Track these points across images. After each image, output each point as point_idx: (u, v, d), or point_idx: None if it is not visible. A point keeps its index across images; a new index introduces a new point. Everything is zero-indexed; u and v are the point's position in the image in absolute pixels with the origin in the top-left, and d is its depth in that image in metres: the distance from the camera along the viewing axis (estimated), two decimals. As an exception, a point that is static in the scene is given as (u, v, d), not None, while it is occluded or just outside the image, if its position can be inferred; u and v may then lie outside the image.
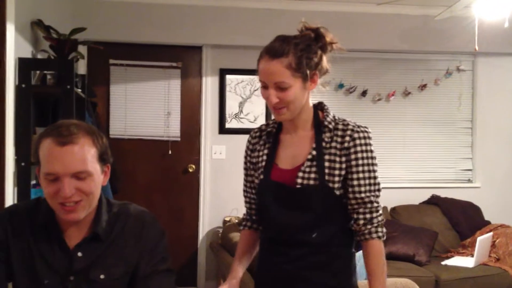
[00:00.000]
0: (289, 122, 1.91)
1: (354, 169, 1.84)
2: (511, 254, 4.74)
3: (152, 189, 5.27)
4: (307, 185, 1.83)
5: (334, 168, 1.84)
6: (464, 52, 5.64)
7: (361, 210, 1.85)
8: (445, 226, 5.26)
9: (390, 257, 4.53)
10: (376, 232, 1.86)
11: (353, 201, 1.86)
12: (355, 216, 1.87)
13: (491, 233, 4.96)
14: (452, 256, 5.00)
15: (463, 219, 5.33)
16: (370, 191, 1.86)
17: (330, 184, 1.83)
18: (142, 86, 5.28)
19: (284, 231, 1.89)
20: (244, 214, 2.12)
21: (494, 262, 4.77)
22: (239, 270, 2.00)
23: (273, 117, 1.97)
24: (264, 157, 1.94)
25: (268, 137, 1.97)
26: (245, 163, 2.06)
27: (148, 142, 5.28)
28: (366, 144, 1.85)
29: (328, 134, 1.87)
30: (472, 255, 4.80)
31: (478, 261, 4.73)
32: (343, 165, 1.84)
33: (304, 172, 1.84)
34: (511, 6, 3.65)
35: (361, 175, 1.85)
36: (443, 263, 4.80)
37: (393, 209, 5.37)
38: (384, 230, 1.88)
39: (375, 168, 1.88)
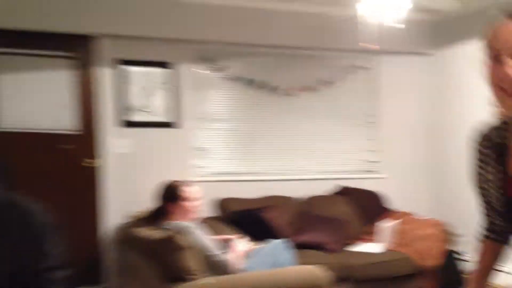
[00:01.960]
0: None
1: None
2: (413, 240, 5.03)
3: (47, 183, 4.87)
4: None
5: None
6: (369, 50, 5.91)
7: None
8: (353, 215, 5.51)
9: (303, 246, 4.72)
10: None
11: None
12: None
13: (396, 221, 5.26)
14: (361, 243, 5.25)
15: (370, 208, 5.62)
16: None
17: None
18: (34, 76, 4.99)
19: None
20: (484, 224, 1.85)
21: (398, 247, 5.06)
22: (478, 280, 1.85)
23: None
24: (498, 175, 1.60)
25: (496, 146, 1.61)
26: (477, 175, 1.70)
27: (42, 135, 4.98)
28: None
29: None
30: (379, 241, 5.07)
31: (385, 247, 5.01)
32: None
33: None
34: (406, 8, 3.93)
35: None
36: (352, 249, 5.04)
37: (307, 199, 5.56)
38: None
39: None
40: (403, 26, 4.09)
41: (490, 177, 1.63)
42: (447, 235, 5.02)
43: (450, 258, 5.19)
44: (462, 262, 5.42)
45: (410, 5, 4.16)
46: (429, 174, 6.32)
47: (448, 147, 6.06)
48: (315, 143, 5.96)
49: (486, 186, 1.66)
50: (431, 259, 4.85)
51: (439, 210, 6.12)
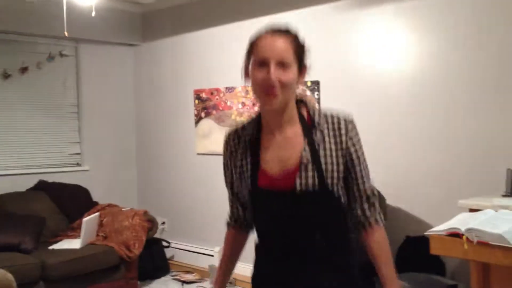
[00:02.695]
0: (274, 118, 1.76)
1: (356, 162, 1.76)
2: (117, 231, 4.99)
3: None
4: (305, 189, 1.70)
5: (333, 167, 1.73)
6: (68, 37, 5.67)
7: (364, 199, 1.78)
8: (53, 210, 5.23)
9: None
10: (380, 218, 1.82)
11: (356, 193, 1.79)
12: (358, 206, 1.79)
13: (97, 213, 5.15)
14: (61, 240, 5.01)
15: (72, 202, 5.40)
16: (369, 180, 1.81)
17: (330, 182, 1.73)
18: None
19: (285, 235, 1.76)
20: (229, 213, 1.99)
21: (102, 240, 4.97)
22: (220, 276, 1.99)
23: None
24: (249, 166, 1.78)
25: (249, 142, 1.81)
26: (225, 171, 1.91)
27: None
28: (357, 134, 1.79)
29: (319, 131, 1.75)
30: (82, 236, 4.90)
31: (86, 241, 4.86)
32: (341, 160, 1.75)
33: (301, 177, 1.71)
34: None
35: (362, 166, 1.78)
36: (50, 247, 4.78)
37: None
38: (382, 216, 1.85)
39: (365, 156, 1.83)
40: (93, 14, 3.98)
41: (238, 170, 1.82)
42: (150, 224, 5.10)
43: (153, 247, 5.30)
44: (164, 251, 5.60)
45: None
46: (135, 165, 6.37)
47: (153, 137, 6.19)
48: (12, 136, 5.49)
49: (235, 179, 1.85)
50: (135, 249, 4.88)
51: (144, 200, 6.22)
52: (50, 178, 5.55)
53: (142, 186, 6.34)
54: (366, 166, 1.80)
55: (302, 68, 1.73)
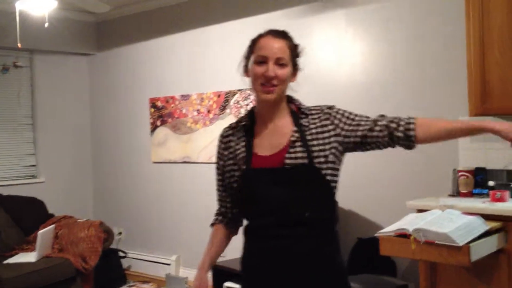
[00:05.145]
0: (268, 110, 1.95)
1: (349, 122, 1.92)
2: (73, 243, 4.93)
3: None
4: (295, 164, 1.85)
5: (319, 147, 1.88)
6: (22, 48, 5.60)
7: (384, 123, 1.90)
8: (8, 223, 5.14)
9: None
10: (407, 118, 1.91)
11: (376, 130, 1.90)
12: (386, 131, 1.89)
13: (53, 226, 5.07)
14: (17, 254, 4.92)
15: (27, 215, 5.32)
16: (368, 117, 1.95)
17: (317, 160, 1.86)
18: None
19: (275, 213, 1.86)
20: (217, 210, 2.11)
21: (58, 252, 4.90)
22: (206, 261, 2.04)
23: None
24: (243, 149, 1.95)
25: (242, 131, 1.99)
26: (218, 163, 2.05)
27: None
28: (341, 109, 1.97)
29: (305, 119, 1.94)
30: (37, 250, 4.82)
31: (41, 254, 4.79)
32: (329, 141, 1.90)
33: (290, 152, 1.87)
34: (49, 6, 3.81)
35: (357, 118, 1.93)
36: (5, 262, 4.69)
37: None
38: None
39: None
40: (46, 24, 3.94)
41: (232, 156, 1.96)
42: (106, 235, 5.05)
43: (110, 257, 5.25)
44: (121, 261, 5.56)
45: (55, 3, 4.03)
46: (91, 175, 6.31)
47: (109, 146, 6.14)
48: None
49: (227, 170, 1.97)
50: (90, 260, 4.83)
51: (101, 210, 6.17)
52: (5, 191, 5.45)
53: (98, 196, 6.28)
54: (359, 115, 1.94)
55: (295, 69, 1.97)
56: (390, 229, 2.96)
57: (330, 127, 1.91)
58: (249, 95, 4.68)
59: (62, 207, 5.69)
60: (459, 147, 3.64)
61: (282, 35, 1.94)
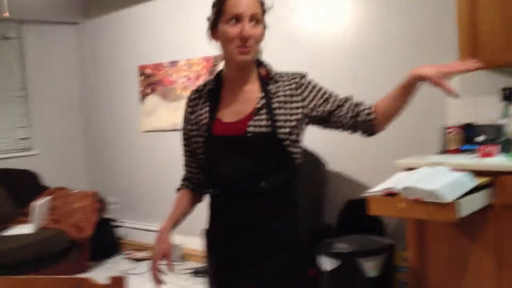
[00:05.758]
0: (237, 74, 1.85)
1: (318, 96, 1.86)
2: (68, 214, 4.96)
3: None
4: (257, 132, 1.78)
5: (285, 117, 1.81)
6: (10, 19, 5.51)
7: (347, 105, 1.86)
8: (3, 196, 5.15)
9: None
10: (364, 103, 1.89)
11: (344, 110, 1.85)
12: (351, 113, 1.85)
13: (49, 197, 5.10)
14: (13, 226, 4.95)
15: (21, 188, 5.32)
16: (337, 95, 1.89)
17: (281, 130, 1.80)
18: None
19: (232, 182, 1.82)
20: (183, 176, 2.04)
21: (54, 224, 4.93)
22: (169, 224, 1.94)
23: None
24: (207, 114, 1.87)
25: (208, 95, 1.90)
26: (184, 127, 1.97)
27: None
28: (312, 81, 1.89)
29: (274, 85, 1.85)
30: (32, 221, 4.85)
31: (38, 226, 4.82)
32: (296, 112, 1.83)
33: (254, 120, 1.80)
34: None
35: (326, 94, 1.87)
36: (3, 234, 4.72)
37: None
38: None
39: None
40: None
41: (196, 121, 1.89)
42: (99, 205, 5.08)
43: (103, 228, 5.28)
44: (115, 230, 5.59)
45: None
46: (84, 145, 6.30)
47: (101, 116, 6.11)
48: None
49: (193, 134, 1.90)
50: (85, 230, 4.86)
51: (94, 181, 6.16)
52: (2, 165, 5.45)
53: (91, 166, 6.27)
54: (328, 91, 1.88)
55: (264, 27, 1.82)
56: (378, 188, 2.96)
57: (299, 97, 1.84)
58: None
59: (57, 178, 5.70)
60: (449, 103, 3.59)
61: None
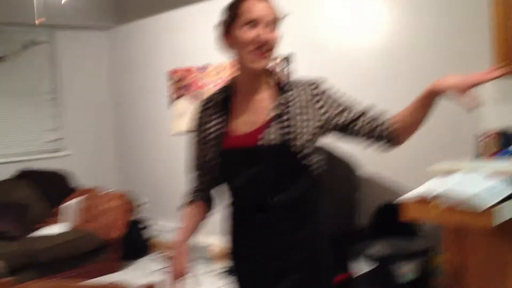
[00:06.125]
0: (250, 81, 1.79)
1: (335, 105, 1.78)
2: (99, 214, 5.00)
3: None
4: (269, 145, 1.73)
5: (299, 127, 1.74)
6: (42, 25, 5.60)
7: (363, 118, 1.78)
8: (35, 197, 5.23)
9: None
10: (383, 114, 1.80)
11: (359, 124, 1.77)
12: (369, 126, 1.77)
13: (79, 198, 5.16)
14: (45, 226, 5.02)
15: (56, 188, 5.40)
16: (354, 107, 1.81)
17: (295, 143, 1.72)
18: None
19: (246, 195, 1.79)
20: (193, 187, 1.95)
21: (85, 224, 4.98)
22: (185, 237, 1.91)
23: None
24: (219, 126, 1.81)
25: (220, 104, 1.83)
26: (197, 136, 1.89)
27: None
28: (329, 88, 1.82)
29: (288, 94, 1.78)
30: (64, 222, 4.92)
31: (70, 226, 4.88)
32: (312, 118, 1.76)
33: (266, 132, 1.74)
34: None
35: (345, 103, 1.80)
36: (36, 234, 4.79)
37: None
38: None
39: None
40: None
41: (207, 132, 1.82)
42: (130, 205, 5.11)
43: (134, 228, 5.31)
44: (146, 230, 5.62)
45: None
46: (114, 147, 6.36)
47: (132, 119, 6.16)
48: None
49: (202, 147, 1.85)
50: (115, 231, 4.90)
51: (125, 181, 6.22)
52: (31, 165, 5.54)
53: (122, 167, 6.32)
54: (348, 100, 1.81)
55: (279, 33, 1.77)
56: (411, 194, 2.91)
57: (315, 107, 1.76)
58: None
59: (87, 179, 5.77)
60: (485, 109, 3.51)
61: None
